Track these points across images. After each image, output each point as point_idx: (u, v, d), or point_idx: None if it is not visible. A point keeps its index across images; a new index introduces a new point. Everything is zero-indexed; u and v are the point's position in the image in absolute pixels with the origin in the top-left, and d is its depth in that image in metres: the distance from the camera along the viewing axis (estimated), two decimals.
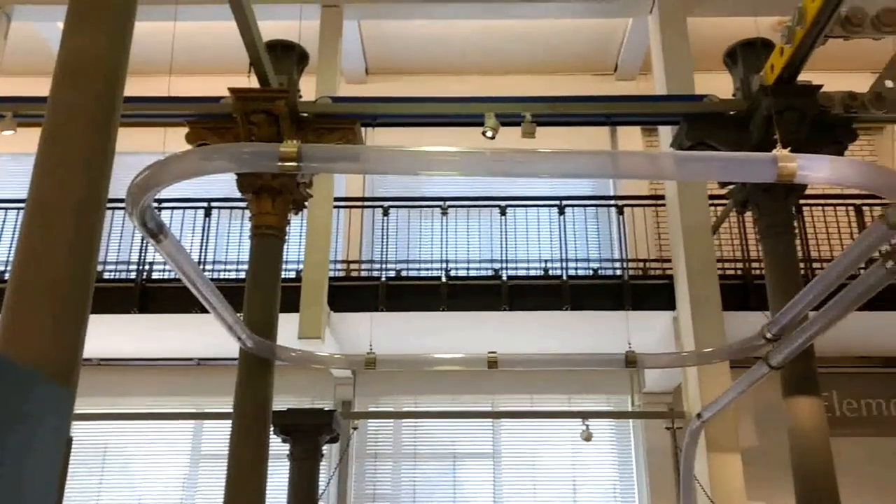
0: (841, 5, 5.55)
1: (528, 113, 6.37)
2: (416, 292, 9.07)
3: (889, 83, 6.39)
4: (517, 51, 11.35)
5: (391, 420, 10.58)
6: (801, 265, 8.28)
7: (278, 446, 7.53)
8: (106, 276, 9.44)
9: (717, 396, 6.85)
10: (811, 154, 3.13)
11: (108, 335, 9.15)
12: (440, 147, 3.43)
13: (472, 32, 11.03)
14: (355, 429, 9.86)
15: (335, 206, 8.98)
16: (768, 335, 5.26)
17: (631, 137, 11.12)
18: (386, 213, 9.57)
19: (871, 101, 6.41)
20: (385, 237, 9.51)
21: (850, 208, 9.62)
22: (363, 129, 6.81)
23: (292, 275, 8.83)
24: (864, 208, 9.45)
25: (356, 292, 9.04)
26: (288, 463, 8.13)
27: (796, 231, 6.79)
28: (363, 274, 10.11)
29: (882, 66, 6.33)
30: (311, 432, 8.11)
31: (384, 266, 9.38)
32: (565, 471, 10.34)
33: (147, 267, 9.32)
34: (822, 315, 4.46)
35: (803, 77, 6.28)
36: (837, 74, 7.90)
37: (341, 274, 10.19)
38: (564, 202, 9.62)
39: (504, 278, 9.10)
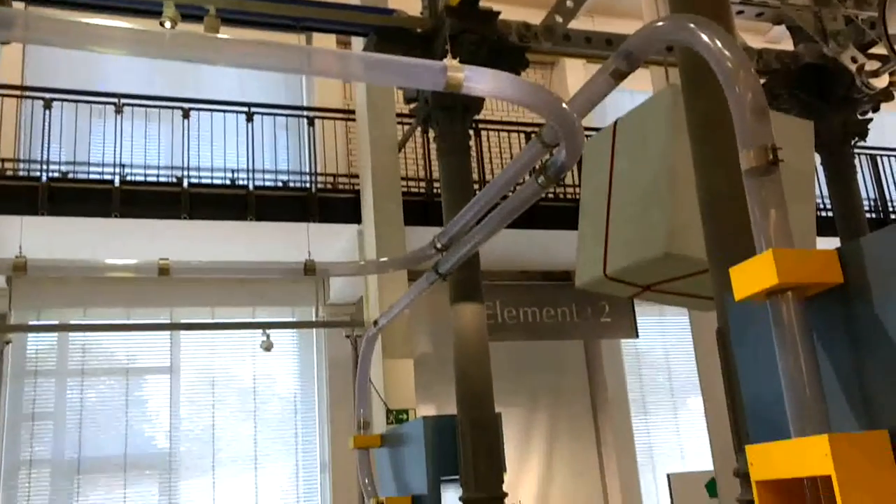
0: None
1: (211, 6, 5.94)
2: (85, 196, 8.28)
3: (559, 18, 6.91)
4: None
5: (55, 334, 9.70)
6: (479, 186, 8.88)
7: None
8: None
9: None
10: (477, 67, 3.26)
11: None
12: (110, 21, 3.04)
13: None
14: (8, 342, 8.89)
15: None
16: (438, 245, 5.54)
17: (326, 46, 10.96)
18: (48, 107, 8.50)
19: (542, 33, 6.91)
20: (47, 134, 8.48)
21: (522, 134, 10.45)
22: (18, 3, 5.92)
23: None
24: (534, 134, 10.29)
25: (10, 193, 8.02)
26: None
27: (472, 151, 7.20)
28: (21, 174, 8.97)
29: (553, 2, 6.83)
30: None
31: (46, 166, 8.39)
32: (247, 383, 10.29)
33: None
34: (484, 225, 4.78)
35: (485, 3, 6.58)
36: (514, 7, 8.40)
37: None
38: (253, 109, 9.29)
39: (185, 186, 8.63)
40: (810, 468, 2.06)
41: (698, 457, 11.13)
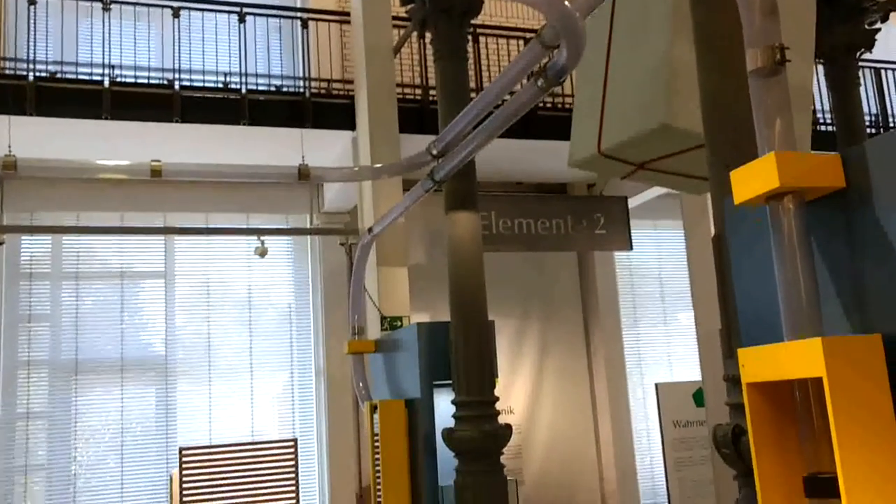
0: None
1: None
2: (75, 97, 8.11)
3: None
4: None
5: (49, 238, 9.68)
6: (476, 95, 8.70)
7: None
8: None
9: None
10: None
11: None
12: None
13: None
14: (1, 244, 8.87)
15: None
16: (434, 152, 5.47)
17: None
18: (33, 2, 8.23)
19: None
20: (33, 31, 8.23)
21: (521, 41, 10.20)
22: None
23: None
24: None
25: None
26: None
27: (470, 58, 7.02)
28: (7, 72, 8.75)
29: None
30: None
31: (32, 65, 8.17)
32: (242, 290, 10.34)
33: None
34: (482, 131, 4.70)
35: None
36: None
37: None
38: (245, 9, 9.01)
39: (177, 88, 8.46)
40: (802, 370, 2.06)
41: (686, 369, 11.34)
